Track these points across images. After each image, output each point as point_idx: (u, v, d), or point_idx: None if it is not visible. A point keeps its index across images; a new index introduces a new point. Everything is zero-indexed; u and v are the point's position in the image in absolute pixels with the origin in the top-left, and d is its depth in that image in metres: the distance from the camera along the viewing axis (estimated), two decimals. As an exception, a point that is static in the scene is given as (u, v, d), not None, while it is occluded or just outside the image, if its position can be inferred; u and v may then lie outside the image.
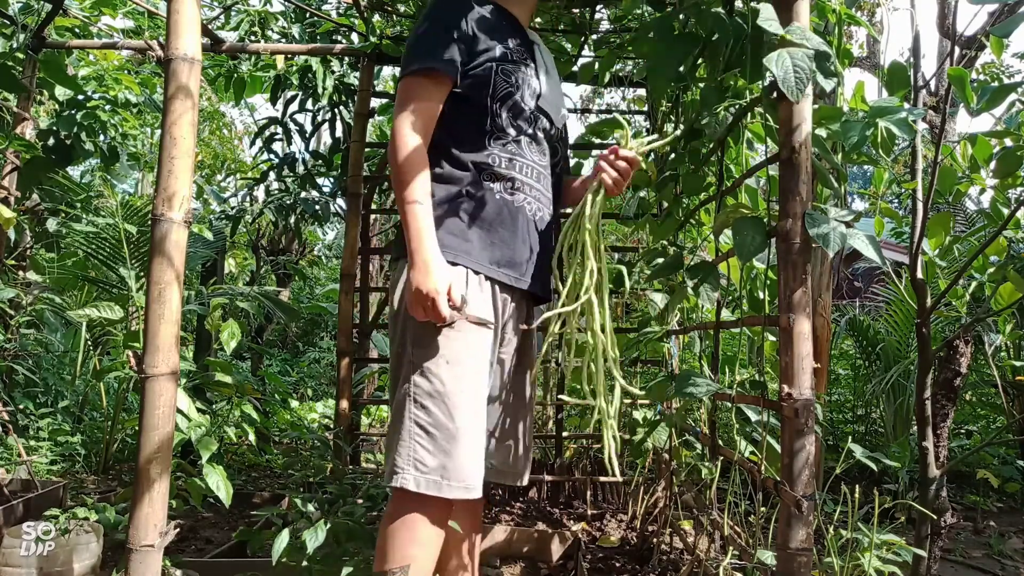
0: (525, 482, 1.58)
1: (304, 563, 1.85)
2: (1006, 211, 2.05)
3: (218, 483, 2.10)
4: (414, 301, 1.36)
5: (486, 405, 1.47)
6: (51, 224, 3.53)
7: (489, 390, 1.53)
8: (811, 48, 1.37)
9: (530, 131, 1.58)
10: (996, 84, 1.80)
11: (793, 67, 1.36)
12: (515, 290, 1.57)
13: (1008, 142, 1.94)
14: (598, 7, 2.70)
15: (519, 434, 1.60)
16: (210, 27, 2.94)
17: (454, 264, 1.45)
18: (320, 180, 4.00)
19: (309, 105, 3.68)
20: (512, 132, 1.54)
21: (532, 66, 1.59)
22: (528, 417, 1.65)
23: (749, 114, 1.81)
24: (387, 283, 5.78)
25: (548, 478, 3.25)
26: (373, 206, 3.74)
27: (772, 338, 2.30)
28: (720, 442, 2.21)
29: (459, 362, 1.41)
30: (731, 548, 2.01)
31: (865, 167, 2.47)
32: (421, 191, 1.40)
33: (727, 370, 2.36)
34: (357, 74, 3.34)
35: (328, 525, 1.86)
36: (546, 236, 1.62)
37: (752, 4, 1.50)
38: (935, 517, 1.87)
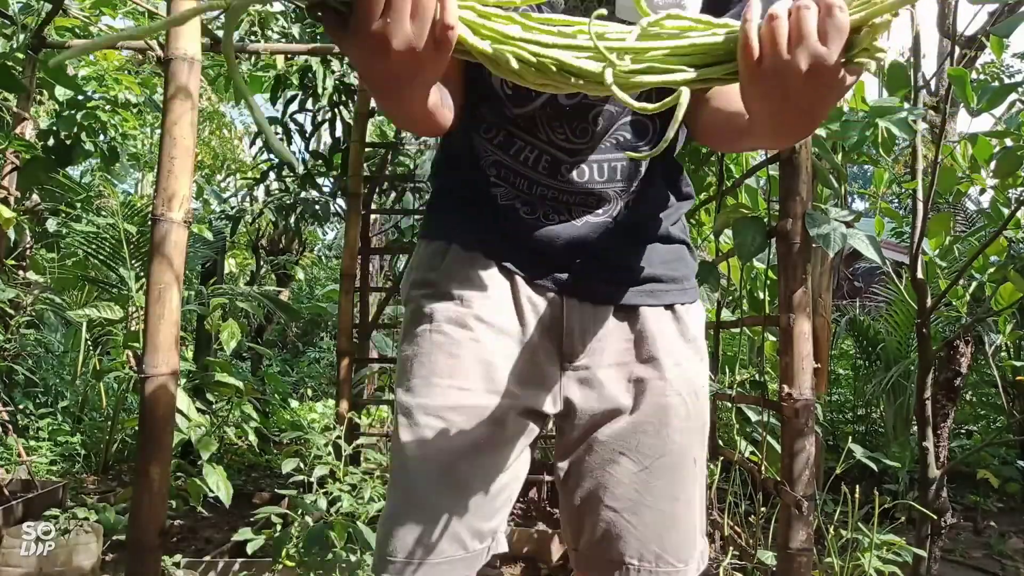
0: None
1: (303, 564, 1.86)
2: (1006, 211, 2.04)
3: (218, 483, 2.10)
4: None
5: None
6: (51, 224, 3.53)
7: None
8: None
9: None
10: (996, 84, 1.80)
11: None
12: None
13: (1008, 142, 1.94)
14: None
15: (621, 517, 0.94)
16: (210, 27, 2.94)
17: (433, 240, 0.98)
18: (320, 180, 4.00)
19: (309, 105, 3.68)
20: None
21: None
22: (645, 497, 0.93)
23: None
24: (387, 283, 5.78)
25: (548, 478, 3.25)
26: (373, 206, 3.74)
27: (772, 338, 2.30)
28: (720, 442, 2.21)
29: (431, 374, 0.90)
30: (731, 548, 2.01)
31: (865, 167, 2.47)
32: None
33: (727, 370, 2.36)
34: (357, 74, 3.34)
35: (328, 526, 1.87)
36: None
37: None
38: (935, 517, 1.87)
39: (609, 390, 0.94)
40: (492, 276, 0.95)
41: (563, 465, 0.98)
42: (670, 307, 0.98)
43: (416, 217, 3.72)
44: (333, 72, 3.43)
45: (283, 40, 3.62)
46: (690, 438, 0.95)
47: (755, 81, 0.66)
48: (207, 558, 2.25)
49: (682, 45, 0.66)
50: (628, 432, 0.93)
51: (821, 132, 1.69)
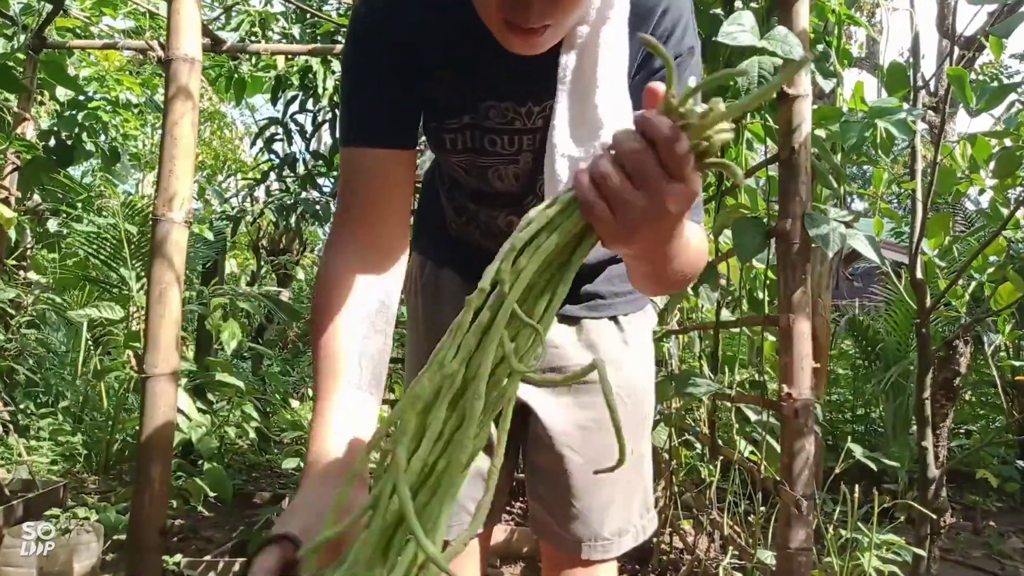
0: (586, 555, 1.07)
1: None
2: (1005, 211, 2.05)
3: (218, 483, 2.10)
4: None
5: None
6: (52, 224, 3.54)
7: None
8: (783, 56, 1.36)
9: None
10: (995, 84, 1.81)
11: (759, 77, 1.36)
12: None
13: (1007, 142, 1.94)
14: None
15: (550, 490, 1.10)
16: (210, 27, 2.95)
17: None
18: (320, 180, 4.00)
19: (310, 105, 3.68)
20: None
21: None
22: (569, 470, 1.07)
23: (749, 114, 1.81)
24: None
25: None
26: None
27: (772, 338, 2.30)
28: (720, 442, 2.21)
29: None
30: (731, 548, 2.01)
31: (864, 167, 2.47)
32: None
33: (727, 370, 2.36)
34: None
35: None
36: None
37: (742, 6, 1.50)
38: (935, 517, 1.88)
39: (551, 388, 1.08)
40: (457, 288, 1.10)
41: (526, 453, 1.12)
42: (613, 318, 1.08)
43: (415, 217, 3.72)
44: (333, 72, 3.43)
45: (283, 40, 3.62)
46: (627, 432, 1.05)
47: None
48: (208, 557, 2.25)
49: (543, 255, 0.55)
50: (573, 430, 1.05)
51: (820, 132, 1.70)
